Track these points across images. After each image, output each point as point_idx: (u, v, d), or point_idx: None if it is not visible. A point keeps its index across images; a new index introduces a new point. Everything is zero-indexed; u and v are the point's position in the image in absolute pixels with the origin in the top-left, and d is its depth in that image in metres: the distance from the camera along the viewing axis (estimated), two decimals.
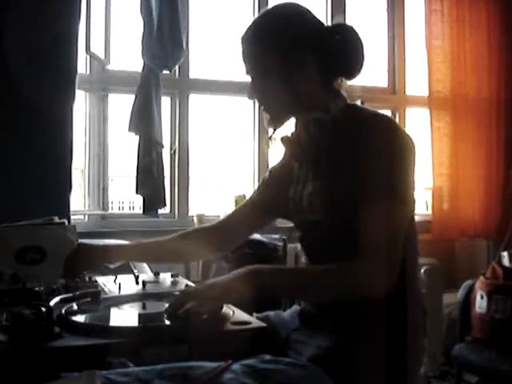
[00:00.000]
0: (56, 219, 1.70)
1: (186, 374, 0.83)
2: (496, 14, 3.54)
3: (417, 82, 3.59)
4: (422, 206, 3.63)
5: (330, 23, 1.28)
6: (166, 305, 1.11)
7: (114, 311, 1.15)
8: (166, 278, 1.51)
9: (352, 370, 1.08)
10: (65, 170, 2.51)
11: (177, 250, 1.49)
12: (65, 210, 2.42)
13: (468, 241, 3.53)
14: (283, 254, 2.47)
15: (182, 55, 2.87)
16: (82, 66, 2.87)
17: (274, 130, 1.29)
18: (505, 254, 2.93)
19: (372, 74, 3.49)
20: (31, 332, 0.93)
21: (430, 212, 3.48)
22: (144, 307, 1.18)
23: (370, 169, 1.11)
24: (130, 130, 2.78)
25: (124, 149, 3.21)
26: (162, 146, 2.87)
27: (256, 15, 1.28)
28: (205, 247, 1.47)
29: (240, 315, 1.11)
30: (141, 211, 2.91)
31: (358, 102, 1.28)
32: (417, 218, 1.25)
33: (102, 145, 3.00)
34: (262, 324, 1.06)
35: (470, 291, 2.48)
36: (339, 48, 1.21)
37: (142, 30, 2.77)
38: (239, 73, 1.31)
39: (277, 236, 2.53)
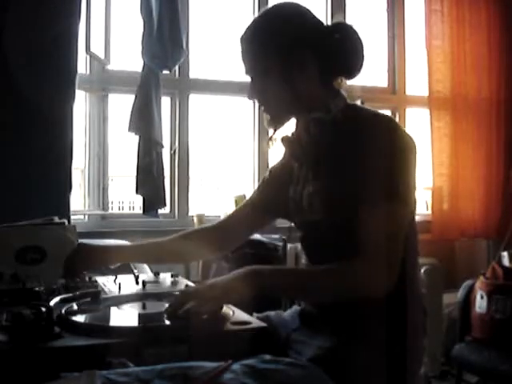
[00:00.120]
0: (56, 219, 1.70)
1: (186, 374, 0.83)
2: (496, 14, 3.54)
3: (417, 82, 3.59)
4: (422, 206, 3.63)
5: (329, 23, 1.28)
6: (166, 305, 1.11)
7: (113, 311, 1.15)
8: (165, 278, 1.51)
9: (352, 370, 1.08)
10: (65, 170, 2.51)
11: (177, 251, 1.49)
12: (65, 210, 2.42)
13: (468, 241, 3.53)
14: (283, 253, 2.47)
15: (181, 55, 2.87)
16: (82, 66, 2.87)
17: (275, 130, 1.29)
18: (505, 254, 2.93)
19: (372, 73, 3.49)
20: (31, 332, 0.93)
21: (429, 212, 3.48)
22: (144, 307, 1.18)
23: (371, 169, 1.11)
24: (129, 130, 2.78)
25: (124, 149, 3.21)
26: (162, 146, 2.87)
27: (256, 15, 1.28)
28: (205, 247, 1.47)
29: (240, 315, 1.11)
30: (141, 211, 2.91)
31: (358, 102, 1.28)
32: (417, 218, 1.25)
33: (102, 145, 3.00)
34: (262, 324, 1.06)
35: (470, 291, 2.48)
36: (339, 47, 1.21)
37: (142, 30, 2.77)
38: (239, 73, 1.31)
39: (277, 236, 2.53)
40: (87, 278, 1.42)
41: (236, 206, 2.42)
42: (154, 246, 1.49)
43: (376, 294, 1.08)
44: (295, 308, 1.38)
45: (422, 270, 2.77)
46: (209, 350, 0.96)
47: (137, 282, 1.42)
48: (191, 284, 1.43)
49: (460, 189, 3.45)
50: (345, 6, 3.44)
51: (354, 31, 1.23)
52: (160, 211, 2.88)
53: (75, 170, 2.67)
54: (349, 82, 1.28)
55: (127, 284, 1.41)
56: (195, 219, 2.94)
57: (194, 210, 3.15)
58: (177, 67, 3.03)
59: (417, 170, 1.16)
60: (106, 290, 1.34)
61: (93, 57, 2.81)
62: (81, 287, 1.32)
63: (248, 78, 1.28)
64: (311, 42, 1.20)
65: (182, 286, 1.40)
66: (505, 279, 2.38)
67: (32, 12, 2.38)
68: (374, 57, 3.49)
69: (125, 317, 1.13)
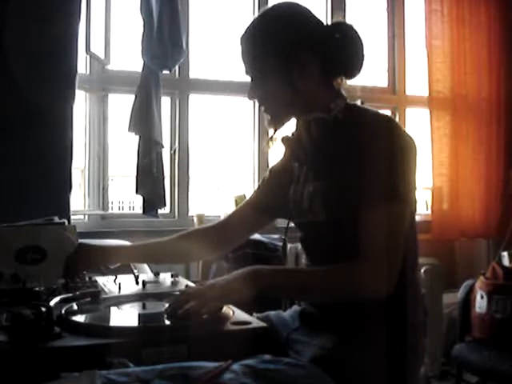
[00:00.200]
0: (56, 219, 1.70)
1: (186, 374, 0.83)
2: (496, 14, 3.54)
3: (417, 82, 3.59)
4: (422, 205, 3.63)
5: (329, 23, 1.28)
6: (166, 305, 1.11)
7: (114, 311, 1.15)
8: (165, 278, 1.51)
9: (352, 370, 1.08)
10: (65, 170, 2.50)
11: (177, 251, 1.49)
12: (65, 210, 2.42)
13: (468, 241, 3.53)
14: (283, 253, 2.47)
15: (182, 55, 2.87)
16: (82, 66, 2.86)
17: (275, 130, 1.29)
18: (505, 254, 2.93)
19: (372, 73, 3.49)
20: (31, 332, 0.93)
21: (429, 212, 3.48)
22: (144, 307, 1.18)
23: (371, 169, 1.11)
24: (129, 130, 2.78)
25: (124, 149, 3.21)
26: (162, 146, 2.86)
27: (256, 15, 1.28)
28: (205, 247, 1.47)
29: (240, 315, 1.11)
30: (141, 211, 2.90)
31: (358, 102, 1.28)
32: (417, 218, 1.25)
33: (102, 145, 3.00)
34: (263, 324, 1.06)
35: (470, 291, 2.48)
36: (339, 47, 1.21)
37: (141, 30, 2.77)
38: (239, 73, 1.31)
39: (277, 236, 2.54)
40: (87, 278, 1.42)
41: (236, 206, 2.41)
42: (154, 246, 1.49)
43: (377, 295, 1.08)
44: (295, 308, 1.38)
45: (422, 270, 2.78)
46: (209, 349, 0.96)
47: (137, 282, 1.43)
48: (191, 284, 1.42)
49: (460, 189, 3.45)
50: (345, 5, 3.44)
51: (355, 31, 1.23)
52: (160, 211, 2.88)
53: (75, 169, 2.67)
54: (349, 82, 1.28)
55: (127, 284, 1.41)
56: (195, 219, 2.93)
57: (194, 209, 3.15)
58: (177, 67, 3.03)
59: (417, 169, 1.16)
60: (105, 290, 1.34)
61: (93, 57, 2.81)
62: (81, 287, 1.32)
63: (248, 78, 1.28)
64: (311, 42, 1.20)
65: (182, 286, 1.40)
66: (505, 279, 2.38)
67: (32, 12, 2.38)
68: (374, 57, 3.50)
69: (125, 317, 1.13)
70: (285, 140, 1.32)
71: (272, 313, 1.38)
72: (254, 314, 1.23)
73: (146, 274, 1.72)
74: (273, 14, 1.26)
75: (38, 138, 2.40)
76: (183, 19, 2.91)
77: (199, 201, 3.77)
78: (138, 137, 2.80)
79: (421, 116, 3.58)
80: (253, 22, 1.25)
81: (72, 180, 2.55)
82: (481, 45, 3.50)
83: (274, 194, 1.40)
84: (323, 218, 1.20)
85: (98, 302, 1.20)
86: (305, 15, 1.24)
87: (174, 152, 3.11)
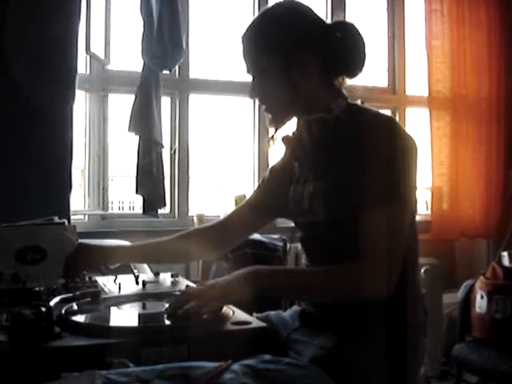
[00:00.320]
0: (56, 219, 1.70)
1: (186, 374, 0.83)
2: (496, 14, 3.53)
3: (417, 82, 3.59)
4: (422, 205, 3.63)
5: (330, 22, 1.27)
6: (166, 305, 1.11)
7: (114, 311, 1.15)
8: (165, 278, 1.51)
9: (352, 370, 1.08)
10: (65, 170, 2.50)
11: (177, 251, 1.49)
12: (65, 210, 2.42)
13: (468, 241, 3.53)
14: (283, 253, 2.47)
15: (182, 55, 2.87)
16: (82, 66, 2.86)
17: (276, 129, 1.28)
18: (505, 254, 2.93)
19: (372, 73, 3.49)
20: (31, 332, 0.93)
21: (429, 212, 3.48)
22: (144, 307, 1.18)
23: (372, 169, 1.10)
24: (129, 130, 2.78)
25: (124, 149, 3.20)
26: (162, 146, 2.86)
27: (256, 14, 1.28)
28: (205, 247, 1.47)
29: (240, 315, 1.11)
30: (141, 211, 2.90)
31: (358, 102, 1.28)
32: (417, 218, 1.24)
33: (102, 145, 3.00)
34: (263, 324, 1.06)
35: (470, 291, 2.48)
36: (340, 45, 1.21)
37: (141, 30, 2.77)
38: (239, 73, 1.31)
39: (277, 236, 2.53)
40: (87, 278, 1.42)
41: (236, 205, 2.42)
42: (154, 246, 1.49)
43: (378, 295, 1.08)
44: (295, 308, 1.38)
45: (422, 270, 2.78)
46: (209, 349, 0.96)
47: (137, 282, 1.42)
48: (191, 284, 1.42)
49: (460, 189, 3.45)
50: (345, 5, 3.44)
51: (356, 29, 1.22)
52: (160, 211, 2.88)
53: (75, 169, 2.67)
54: (348, 82, 1.27)
55: (127, 284, 1.41)
56: (195, 219, 2.94)
57: (194, 209, 3.15)
58: (177, 67, 3.03)
59: (418, 170, 1.16)
60: (105, 290, 1.34)
61: (93, 57, 2.81)
62: (81, 287, 1.32)
63: (249, 78, 1.27)
64: (312, 41, 1.20)
65: (182, 286, 1.40)
66: (505, 279, 2.38)
67: (32, 12, 2.38)
68: (374, 57, 3.49)
69: (125, 317, 1.13)
70: (285, 139, 1.31)
71: (272, 313, 1.38)
72: (254, 314, 1.23)
73: (146, 273, 1.72)
74: (273, 13, 1.25)
75: (38, 138, 2.40)
76: (183, 19, 2.91)
77: (199, 201, 3.77)
78: (137, 137, 2.80)
79: (421, 116, 3.58)
80: (254, 21, 1.25)
81: (72, 180, 2.55)
82: (481, 45, 3.50)
83: (274, 193, 1.40)
84: (323, 218, 1.20)
85: (98, 301, 1.20)
86: (306, 14, 1.24)
87: (174, 152, 3.11)
